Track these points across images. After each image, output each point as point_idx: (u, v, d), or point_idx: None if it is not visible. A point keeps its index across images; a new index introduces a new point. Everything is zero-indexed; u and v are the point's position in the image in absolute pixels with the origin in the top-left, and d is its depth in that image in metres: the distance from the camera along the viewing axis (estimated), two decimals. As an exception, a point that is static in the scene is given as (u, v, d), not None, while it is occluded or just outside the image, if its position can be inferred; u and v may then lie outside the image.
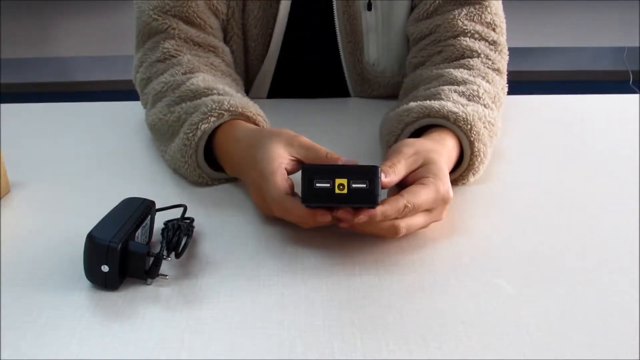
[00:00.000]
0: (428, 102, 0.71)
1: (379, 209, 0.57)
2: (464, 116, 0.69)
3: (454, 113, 0.69)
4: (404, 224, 0.59)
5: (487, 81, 0.77)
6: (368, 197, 0.56)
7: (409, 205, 0.58)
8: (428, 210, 0.60)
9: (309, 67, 0.95)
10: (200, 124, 0.70)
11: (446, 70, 0.78)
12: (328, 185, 0.56)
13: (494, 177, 0.74)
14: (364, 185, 0.56)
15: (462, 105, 0.71)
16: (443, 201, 0.61)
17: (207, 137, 0.70)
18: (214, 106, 0.70)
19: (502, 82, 0.81)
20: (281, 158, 0.63)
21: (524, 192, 0.72)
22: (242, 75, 0.92)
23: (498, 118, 0.75)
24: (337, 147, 0.66)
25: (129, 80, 0.86)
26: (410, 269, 0.59)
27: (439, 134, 0.69)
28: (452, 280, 0.57)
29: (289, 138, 0.65)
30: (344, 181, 0.56)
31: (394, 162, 0.61)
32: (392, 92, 0.93)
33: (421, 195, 0.59)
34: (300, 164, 0.64)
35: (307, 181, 0.57)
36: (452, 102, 0.71)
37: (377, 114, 0.83)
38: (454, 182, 0.71)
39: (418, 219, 0.60)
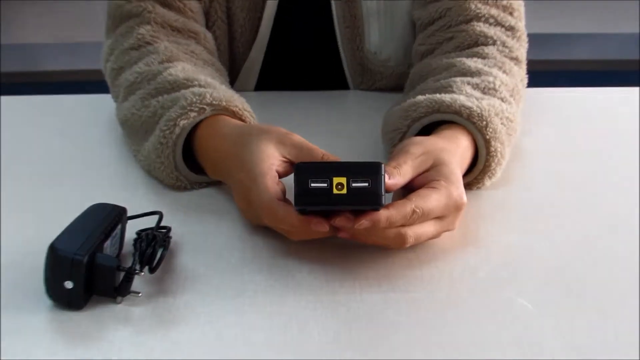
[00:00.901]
0: (438, 95, 0.71)
1: (384, 214, 0.56)
2: (479, 111, 0.69)
3: (467, 108, 0.69)
4: (411, 232, 0.58)
5: (504, 72, 0.77)
6: (370, 198, 0.56)
7: (418, 211, 0.57)
8: (439, 218, 0.60)
9: (302, 55, 0.95)
10: (178, 119, 0.69)
11: (458, 59, 0.78)
12: (325, 185, 0.56)
13: (512, 180, 0.74)
14: (366, 184, 0.56)
15: (477, 99, 0.70)
16: (456, 208, 0.60)
17: (186, 135, 0.70)
18: (194, 100, 0.70)
19: (521, 73, 0.81)
20: (272, 159, 0.62)
21: (547, 197, 0.71)
22: (227, 64, 0.91)
23: (517, 113, 0.75)
24: (334, 147, 0.65)
25: (98, 70, 0.86)
26: (419, 286, 0.58)
27: (451, 132, 0.69)
28: (466, 299, 0.57)
29: (280, 136, 0.64)
30: (343, 180, 0.56)
31: (400, 163, 0.60)
32: (396, 83, 0.93)
33: (431, 199, 0.58)
34: (293, 166, 0.63)
35: (301, 180, 0.56)
36: (465, 96, 0.71)
37: (380, 108, 0.82)
38: (468, 186, 0.70)
39: (428, 227, 0.59)
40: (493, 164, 0.70)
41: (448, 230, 0.62)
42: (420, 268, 0.60)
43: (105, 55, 0.84)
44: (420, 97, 0.72)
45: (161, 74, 0.75)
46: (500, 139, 0.70)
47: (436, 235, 0.61)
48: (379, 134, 0.81)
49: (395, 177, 0.59)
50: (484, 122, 0.69)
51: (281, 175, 0.63)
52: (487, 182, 0.72)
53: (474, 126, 0.69)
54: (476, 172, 0.70)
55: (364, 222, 0.56)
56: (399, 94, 0.85)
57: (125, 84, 0.78)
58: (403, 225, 0.58)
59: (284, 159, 0.63)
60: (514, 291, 0.58)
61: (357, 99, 0.94)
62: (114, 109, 0.82)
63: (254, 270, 0.60)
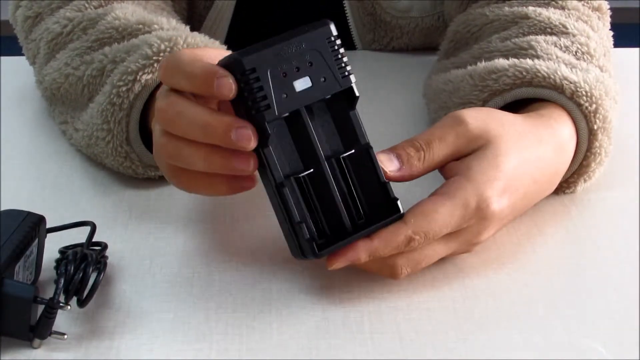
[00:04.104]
0: (529, 61, 0.70)
1: (363, 247, 0.57)
2: (587, 89, 0.67)
3: (571, 82, 0.67)
4: (405, 261, 0.58)
5: (592, 29, 0.76)
6: None
7: (418, 237, 0.57)
8: (451, 235, 0.60)
9: (291, 3, 0.96)
10: (140, 72, 0.69)
11: (530, 8, 0.77)
12: None
13: (609, 180, 0.74)
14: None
15: (581, 71, 0.69)
16: (480, 217, 0.60)
17: (148, 96, 0.69)
18: (162, 47, 0.70)
19: (606, 30, 0.80)
20: None
21: (633, 206, 0.72)
22: (183, 14, 0.92)
23: (618, 90, 0.73)
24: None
25: (4, 20, 0.86)
26: (450, 323, 0.59)
27: (548, 111, 0.67)
28: (518, 342, 0.57)
29: None
30: None
31: (424, 142, 0.60)
32: (422, 42, 0.94)
33: (437, 218, 0.58)
34: None
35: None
36: (565, 64, 0.69)
37: (400, 75, 0.82)
38: (554, 190, 0.69)
39: (431, 251, 0.59)
40: (593, 165, 0.69)
41: (466, 251, 0.62)
42: (450, 297, 0.61)
43: (15, -1, 0.84)
44: (502, 62, 0.71)
45: (103, 19, 0.75)
46: (608, 131, 0.68)
47: (447, 254, 0.61)
48: (398, 113, 0.81)
49: (406, 164, 0.60)
50: (594, 106, 0.67)
51: None
52: (580, 187, 0.71)
53: (579, 109, 0.67)
54: (568, 173, 0.70)
55: (336, 262, 0.57)
56: (425, 56, 0.85)
57: (49, 36, 0.78)
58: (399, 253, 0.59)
59: None
60: (583, 333, 0.58)
61: (367, 62, 0.94)
62: (29, 75, 0.82)
63: (224, 304, 0.60)
